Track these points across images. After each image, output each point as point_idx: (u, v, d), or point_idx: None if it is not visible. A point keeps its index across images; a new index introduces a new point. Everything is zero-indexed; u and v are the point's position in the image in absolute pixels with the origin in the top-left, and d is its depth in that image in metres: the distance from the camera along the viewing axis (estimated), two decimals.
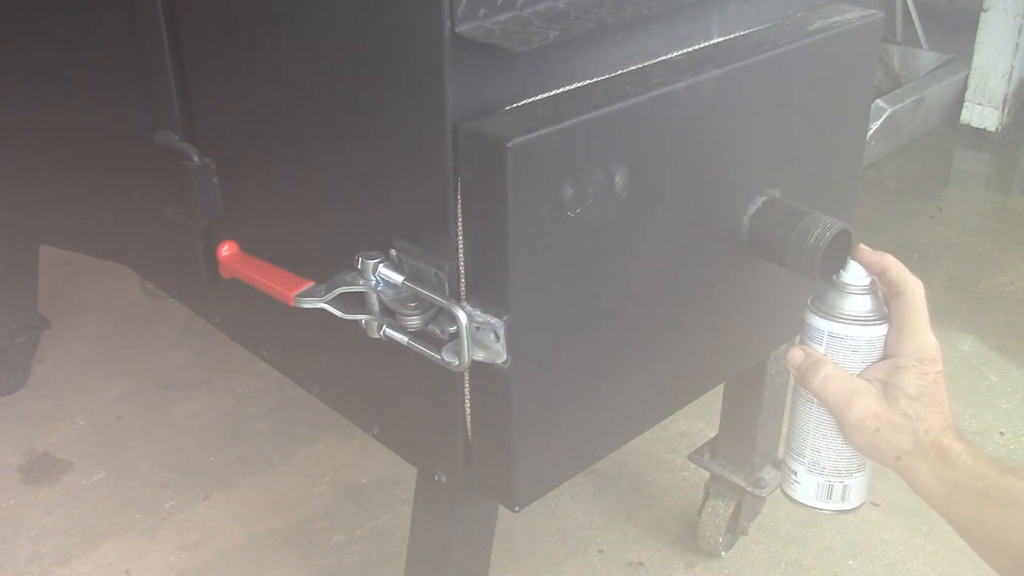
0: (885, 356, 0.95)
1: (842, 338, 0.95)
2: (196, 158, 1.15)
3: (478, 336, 0.90)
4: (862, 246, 0.97)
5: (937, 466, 0.91)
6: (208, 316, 1.35)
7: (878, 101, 2.71)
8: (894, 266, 0.95)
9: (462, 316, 0.89)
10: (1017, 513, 0.87)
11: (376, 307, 0.97)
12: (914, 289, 0.94)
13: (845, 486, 1.00)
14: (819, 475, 1.00)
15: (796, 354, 0.98)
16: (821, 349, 0.97)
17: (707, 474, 1.50)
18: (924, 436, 0.91)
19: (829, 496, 1.01)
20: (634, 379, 1.07)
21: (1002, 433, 1.79)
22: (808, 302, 0.99)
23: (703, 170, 1.02)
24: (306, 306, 0.99)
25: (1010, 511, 0.87)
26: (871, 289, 0.96)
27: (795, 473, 1.02)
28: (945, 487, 0.90)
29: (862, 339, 0.95)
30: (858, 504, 1.02)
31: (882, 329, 0.95)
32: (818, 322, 0.97)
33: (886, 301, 0.96)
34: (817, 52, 1.10)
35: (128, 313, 2.12)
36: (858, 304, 0.95)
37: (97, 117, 1.31)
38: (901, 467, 0.93)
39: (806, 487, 1.02)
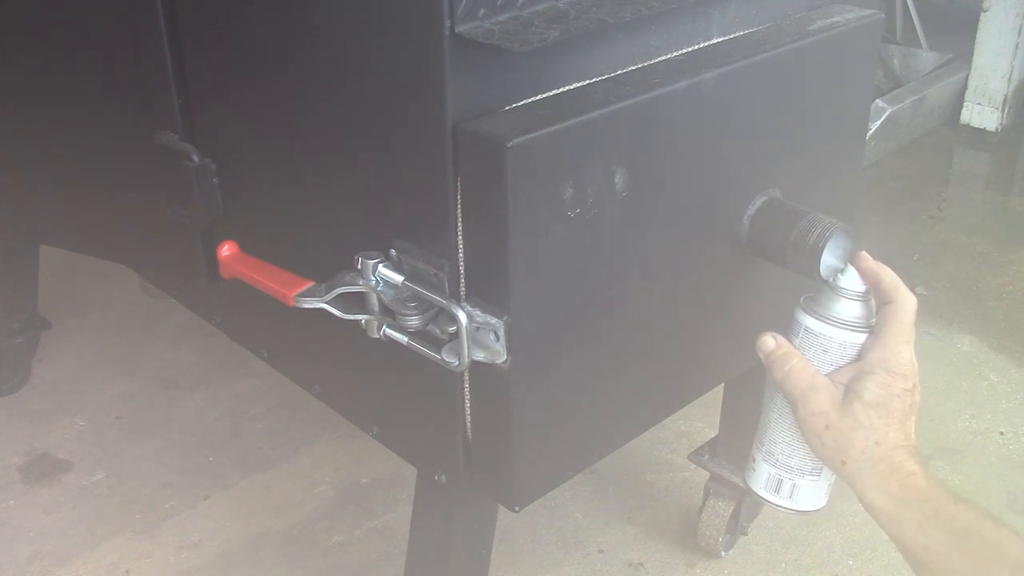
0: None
1: (816, 335, 0.96)
2: (196, 158, 1.15)
3: (478, 336, 0.90)
4: (863, 253, 0.97)
5: (884, 481, 0.88)
6: (208, 316, 1.35)
7: (878, 101, 2.71)
8: (889, 277, 0.95)
9: (462, 316, 0.89)
10: (967, 542, 0.84)
11: (376, 307, 0.97)
12: (904, 301, 0.93)
13: (794, 484, 1.01)
14: (771, 466, 1.01)
15: (767, 342, 0.98)
16: (796, 341, 0.97)
17: (707, 474, 1.49)
18: (874, 447, 0.89)
19: (777, 490, 1.02)
20: (634, 379, 1.07)
21: (1002, 433, 1.79)
22: (801, 297, 0.99)
23: (703, 170, 1.02)
24: (306, 306, 0.99)
25: (959, 539, 0.84)
26: (863, 297, 0.96)
27: (754, 459, 1.04)
28: (890, 504, 0.88)
29: (835, 341, 0.95)
30: (809, 508, 1.02)
31: (859, 337, 0.95)
32: (799, 315, 0.98)
33: (876, 312, 0.96)
34: (817, 52, 1.10)
35: (128, 313, 2.12)
36: (844, 307, 0.96)
37: (97, 117, 1.31)
38: (846, 474, 0.91)
39: (759, 475, 1.03)
